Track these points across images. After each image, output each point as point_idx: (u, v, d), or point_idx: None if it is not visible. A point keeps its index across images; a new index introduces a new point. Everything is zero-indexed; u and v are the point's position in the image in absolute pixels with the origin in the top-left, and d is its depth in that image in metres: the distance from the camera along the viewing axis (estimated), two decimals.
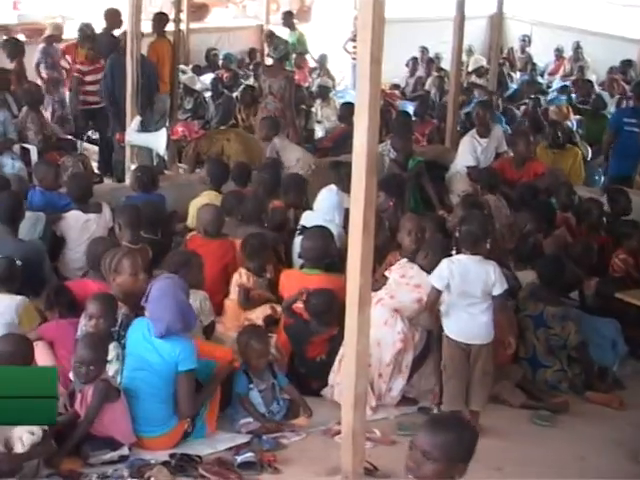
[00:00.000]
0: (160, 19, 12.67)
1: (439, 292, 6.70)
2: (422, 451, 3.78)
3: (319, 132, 14.42)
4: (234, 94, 14.82)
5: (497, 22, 16.15)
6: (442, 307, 6.78)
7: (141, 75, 10.43)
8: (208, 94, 15.03)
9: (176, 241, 9.15)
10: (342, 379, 6.17)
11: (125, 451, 6.19)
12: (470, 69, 17.45)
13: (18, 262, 7.41)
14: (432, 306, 6.83)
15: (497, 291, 6.69)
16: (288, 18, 18.52)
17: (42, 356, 6.72)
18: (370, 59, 5.39)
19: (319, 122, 14.86)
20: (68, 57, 13.92)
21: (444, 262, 6.73)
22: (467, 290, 6.65)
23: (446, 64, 15.67)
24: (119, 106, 10.80)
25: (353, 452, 5.82)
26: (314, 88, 16.14)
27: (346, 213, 8.51)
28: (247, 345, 6.86)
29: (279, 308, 7.77)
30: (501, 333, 6.94)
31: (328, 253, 7.80)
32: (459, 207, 9.16)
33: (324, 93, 15.46)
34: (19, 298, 7.20)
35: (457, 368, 6.74)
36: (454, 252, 6.81)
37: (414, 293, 7.11)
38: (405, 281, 7.17)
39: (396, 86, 17.41)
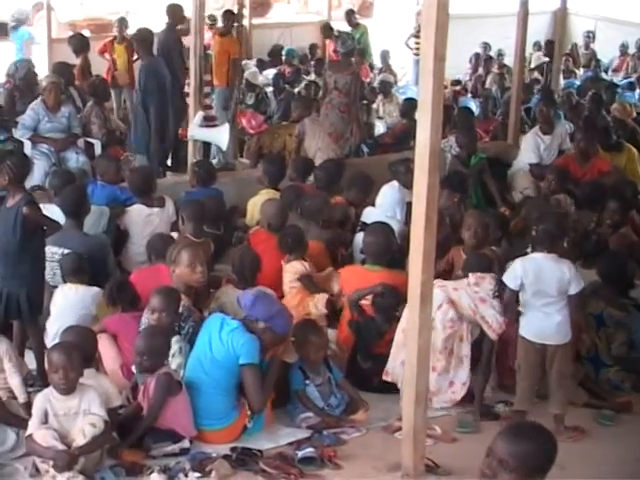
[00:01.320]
0: (230, 16, 12.75)
1: (513, 292, 6.60)
2: (499, 459, 3.70)
3: (380, 128, 14.40)
4: (296, 89, 14.87)
5: (561, 18, 16.04)
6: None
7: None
8: (270, 89, 15.09)
9: (237, 236, 9.21)
10: (399, 364, 6.10)
11: (186, 444, 6.23)
12: (532, 65, 17.35)
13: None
14: (509, 307, 6.73)
15: (573, 290, 6.59)
16: (350, 15, 18.54)
17: (105, 348, 6.83)
18: (434, 56, 5.40)
19: (380, 118, 14.85)
20: (107, 55, 14.14)
21: (518, 261, 6.67)
22: (542, 289, 6.55)
23: (508, 60, 15.58)
24: (148, 120, 10.86)
25: (414, 449, 5.87)
26: (375, 84, 16.12)
27: (407, 209, 8.53)
28: (305, 339, 6.87)
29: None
30: (577, 333, 6.85)
31: (390, 249, 7.78)
32: (528, 207, 9.08)
33: (386, 89, 15.45)
34: (95, 289, 7.35)
35: (531, 369, 6.66)
36: (529, 250, 6.75)
37: (472, 302, 7.01)
38: (475, 289, 7.06)
39: (458, 82, 17.33)
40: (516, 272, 6.59)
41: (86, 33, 16.04)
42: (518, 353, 6.74)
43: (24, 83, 12.09)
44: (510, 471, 3.67)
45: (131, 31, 13.75)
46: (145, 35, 11.48)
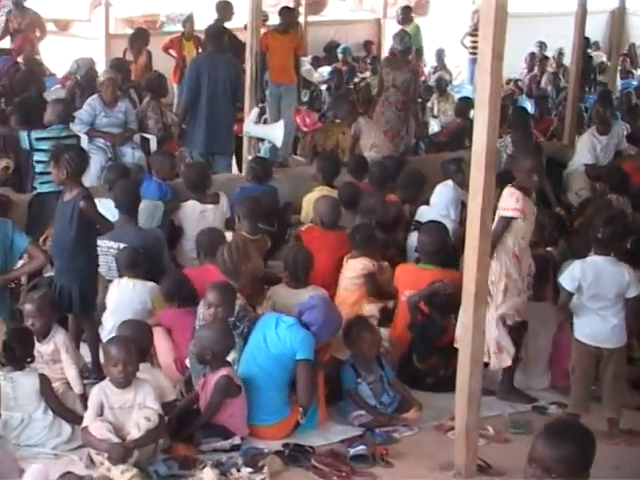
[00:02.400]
0: (289, 13, 12.82)
1: (570, 294, 6.56)
2: (544, 467, 3.60)
3: (434, 126, 14.39)
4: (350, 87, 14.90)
5: (619, 17, 15.91)
6: (573, 309, 6.67)
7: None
8: (324, 87, 15.13)
9: (290, 233, 9.24)
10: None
11: (237, 440, 6.27)
12: None
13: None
14: (563, 308, 6.69)
15: (632, 293, 6.55)
16: (405, 13, 18.52)
17: (160, 341, 6.90)
18: (492, 54, 5.42)
19: (435, 117, 14.84)
20: (172, 51, 14.27)
21: (577, 263, 6.64)
22: (600, 292, 6.52)
23: (566, 59, 15.50)
24: (196, 114, 10.90)
25: (466, 449, 5.89)
26: (431, 82, 16.10)
27: (462, 208, 8.52)
28: (358, 336, 6.89)
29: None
30: (629, 336, 6.79)
31: (444, 249, 7.78)
32: (593, 208, 9.03)
33: (442, 87, 15.43)
34: (151, 284, 7.43)
35: (585, 372, 6.64)
36: (592, 253, 6.71)
37: None
38: None
39: (513, 81, 17.27)
40: (574, 274, 6.55)
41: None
42: (573, 356, 6.72)
43: (85, 81, 12.24)
44: (555, 477, 3.58)
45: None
46: (216, 29, 11.54)
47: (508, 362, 6.81)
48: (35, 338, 6.51)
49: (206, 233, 8.03)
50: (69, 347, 6.64)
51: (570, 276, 6.57)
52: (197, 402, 6.38)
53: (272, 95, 12.03)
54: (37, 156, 8.91)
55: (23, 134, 9.00)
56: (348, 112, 11.34)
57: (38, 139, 8.87)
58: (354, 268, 7.91)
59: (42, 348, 6.58)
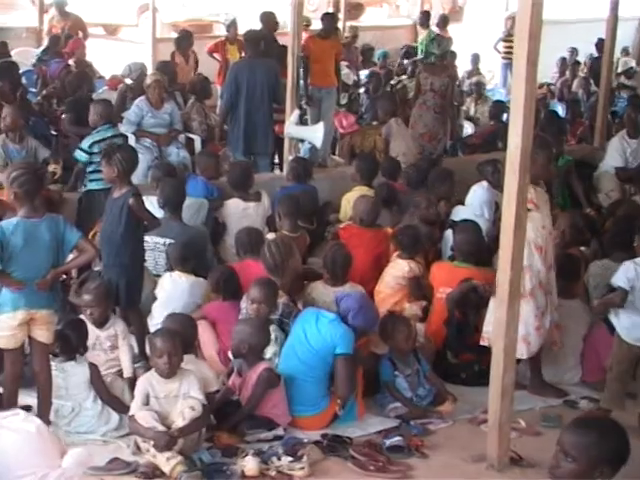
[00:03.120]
0: (330, 19, 12.98)
1: (626, 293, 6.62)
2: (562, 450, 3.65)
3: (468, 129, 14.51)
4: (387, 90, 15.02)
5: None
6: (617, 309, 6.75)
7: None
8: (362, 90, 15.27)
9: (329, 231, 9.41)
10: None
11: (280, 431, 6.45)
12: (619, 70, 17.30)
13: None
14: (611, 306, 6.77)
15: None
16: (424, 18, 18.69)
17: (205, 334, 7.09)
18: (526, 60, 5.54)
19: (469, 119, 14.96)
20: (216, 54, 14.48)
21: (629, 264, 6.69)
22: None
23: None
24: (236, 117, 11.10)
25: (499, 441, 6.02)
26: (465, 87, 16.23)
27: (496, 209, 8.67)
28: (394, 329, 7.05)
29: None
30: None
31: (479, 248, 7.93)
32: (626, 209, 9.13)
33: (480, 91, 15.55)
34: (201, 280, 7.63)
35: (624, 370, 6.74)
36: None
37: None
38: None
39: (546, 85, 17.33)
40: (628, 274, 6.62)
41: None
42: (613, 354, 6.82)
43: (137, 84, 12.47)
44: (571, 461, 3.61)
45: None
46: (254, 35, 11.73)
47: (524, 355, 6.89)
48: (95, 326, 6.82)
49: (245, 232, 8.19)
50: (127, 334, 6.96)
51: (625, 276, 6.63)
52: (232, 394, 6.55)
53: (313, 98, 12.21)
54: (93, 158, 9.01)
55: (78, 154, 9.12)
56: (386, 113, 11.52)
57: (91, 145, 9.03)
58: (401, 269, 8.03)
59: (102, 335, 6.87)
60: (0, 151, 9.17)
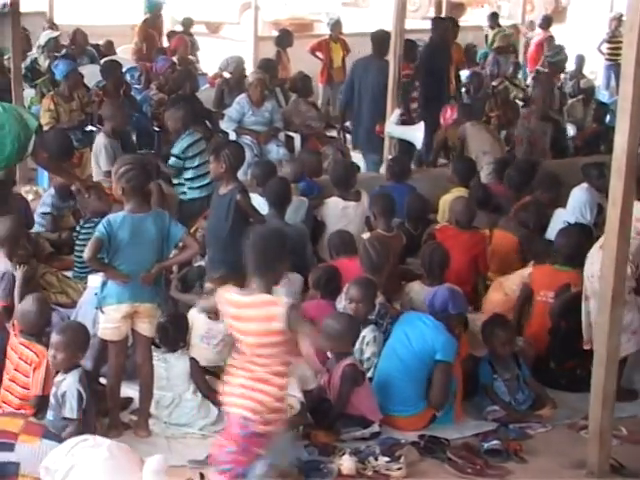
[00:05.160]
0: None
1: None
2: None
3: (570, 131, 14.32)
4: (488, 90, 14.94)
5: None
6: None
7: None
8: (463, 89, 15.18)
9: (427, 232, 9.37)
10: None
11: (376, 428, 6.46)
12: None
13: None
14: None
15: None
16: (493, 19, 18.52)
17: None
18: (635, 61, 5.45)
19: (572, 121, 14.77)
20: (319, 53, 14.55)
21: None
22: None
23: None
24: (354, 114, 11.15)
25: (599, 448, 5.94)
26: (567, 88, 16.05)
27: (598, 211, 8.55)
28: (492, 333, 7.02)
29: None
30: None
31: (581, 251, 7.81)
32: None
33: (588, 93, 15.35)
34: (296, 277, 7.68)
35: None
36: None
37: None
38: None
39: None
40: None
41: None
42: None
43: (234, 79, 12.59)
44: None
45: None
46: (378, 36, 11.73)
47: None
48: (210, 318, 6.89)
49: (336, 234, 8.27)
50: None
51: None
52: (326, 393, 6.56)
53: None
54: (187, 163, 9.20)
55: (173, 161, 9.19)
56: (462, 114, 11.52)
57: (185, 150, 9.15)
58: (523, 277, 7.94)
59: (217, 327, 6.93)
60: (110, 151, 9.27)
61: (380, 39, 11.56)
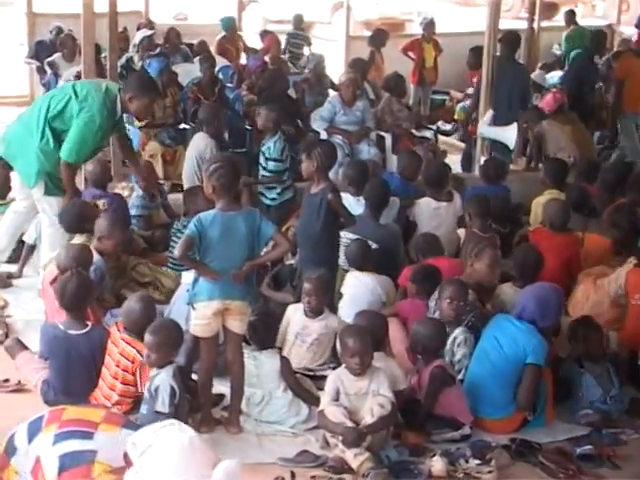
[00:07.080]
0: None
1: None
2: None
3: None
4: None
5: None
6: None
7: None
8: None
9: (519, 234, 9.30)
10: None
11: (467, 431, 6.41)
12: None
13: (374, 245, 7.85)
14: None
15: None
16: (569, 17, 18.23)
17: (395, 331, 7.05)
18: None
19: None
20: (411, 53, 14.51)
21: None
22: None
23: None
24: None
25: None
26: None
27: None
28: (584, 335, 6.95)
29: None
30: None
31: None
32: None
33: None
34: (384, 277, 7.63)
35: None
36: None
37: None
38: None
39: None
40: None
41: None
42: None
43: (313, 76, 12.61)
44: None
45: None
46: (509, 38, 11.69)
47: None
48: (308, 315, 6.96)
49: (422, 237, 8.23)
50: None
51: None
52: (416, 393, 6.52)
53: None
54: (270, 166, 9.27)
55: (273, 165, 9.26)
56: (533, 117, 11.37)
57: (282, 152, 9.23)
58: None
59: (312, 326, 6.98)
60: (214, 151, 9.29)
61: (508, 41, 11.52)
